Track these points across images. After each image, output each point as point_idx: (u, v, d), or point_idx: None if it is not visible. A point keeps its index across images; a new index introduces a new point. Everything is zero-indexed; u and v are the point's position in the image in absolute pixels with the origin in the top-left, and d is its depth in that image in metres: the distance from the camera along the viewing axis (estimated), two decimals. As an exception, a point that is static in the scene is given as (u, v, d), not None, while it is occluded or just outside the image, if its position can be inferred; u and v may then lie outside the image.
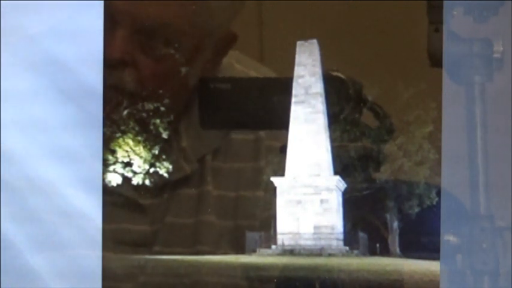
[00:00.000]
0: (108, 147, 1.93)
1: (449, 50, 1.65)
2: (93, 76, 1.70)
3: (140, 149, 1.95)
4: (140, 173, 1.96)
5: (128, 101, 1.92)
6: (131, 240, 1.97)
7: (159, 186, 1.98)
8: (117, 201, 1.95)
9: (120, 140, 1.94)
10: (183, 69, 1.92)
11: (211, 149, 2.01)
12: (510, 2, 1.63)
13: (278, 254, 1.91)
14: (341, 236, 1.90)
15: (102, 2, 1.70)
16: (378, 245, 1.92)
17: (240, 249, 1.94)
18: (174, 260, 1.92)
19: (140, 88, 1.91)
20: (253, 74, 2.02)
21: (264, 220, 1.97)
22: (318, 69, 1.96)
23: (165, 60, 1.90)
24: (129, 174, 1.96)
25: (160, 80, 1.91)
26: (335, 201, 1.91)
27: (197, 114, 1.97)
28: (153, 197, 1.99)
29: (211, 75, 1.99)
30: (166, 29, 1.89)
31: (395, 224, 1.93)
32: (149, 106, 1.93)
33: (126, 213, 1.97)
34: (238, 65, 2.03)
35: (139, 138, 1.95)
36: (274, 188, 1.94)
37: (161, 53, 1.90)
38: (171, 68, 1.91)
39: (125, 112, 1.93)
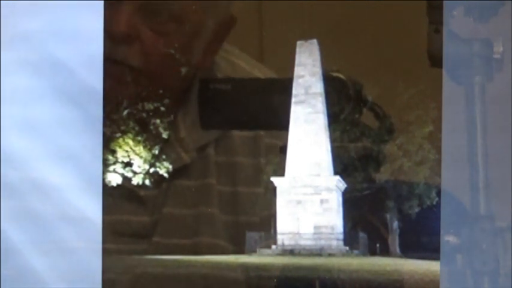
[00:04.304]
0: (108, 147, 1.93)
1: (449, 50, 1.64)
2: (93, 76, 1.70)
3: (140, 149, 1.96)
4: (140, 173, 1.96)
5: (127, 101, 1.92)
6: (131, 231, 1.97)
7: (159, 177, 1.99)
8: (117, 193, 1.95)
9: (120, 140, 1.95)
10: (186, 44, 1.92)
11: (210, 139, 2.01)
12: (510, 2, 1.63)
13: (278, 254, 1.91)
14: (341, 236, 1.90)
15: (102, 2, 1.70)
16: (378, 245, 1.92)
17: (240, 244, 1.94)
18: (174, 260, 1.92)
19: (138, 90, 1.91)
20: (254, 72, 2.02)
21: (264, 219, 1.97)
22: (318, 69, 1.96)
23: (169, 35, 1.90)
24: (129, 174, 1.96)
25: (163, 57, 1.91)
26: (335, 201, 1.91)
27: (196, 107, 1.97)
28: (153, 188, 1.99)
29: (211, 75, 1.99)
30: (170, 5, 1.89)
31: (395, 224, 1.94)
32: (149, 106, 1.93)
33: (125, 205, 1.97)
34: (239, 63, 2.03)
35: (139, 138, 1.95)
36: (274, 188, 1.95)
37: (165, 29, 1.90)
38: (174, 43, 1.91)
39: (125, 112, 1.93)
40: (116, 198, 1.94)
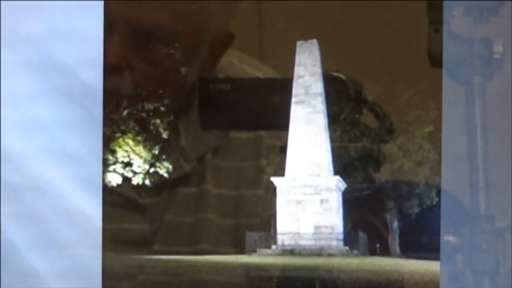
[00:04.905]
0: (108, 147, 1.93)
1: (449, 50, 1.65)
2: (93, 76, 1.70)
3: (140, 149, 1.95)
4: (140, 173, 1.96)
5: (127, 101, 1.92)
6: (131, 240, 1.97)
7: (158, 185, 1.98)
8: (117, 201, 1.95)
9: (120, 140, 1.95)
10: (181, 71, 1.92)
11: (210, 147, 2.02)
12: (510, 2, 1.63)
13: (278, 254, 1.91)
14: (341, 236, 1.90)
15: (102, 2, 1.70)
16: (378, 245, 1.92)
17: (240, 248, 1.94)
18: (174, 260, 1.92)
19: (138, 90, 1.91)
20: (254, 72, 2.03)
21: (264, 219, 1.97)
22: (318, 69, 1.96)
23: (162, 62, 1.90)
24: (129, 174, 1.96)
25: (158, 83, 1.91)
26: (335, 201, 1.91)
27: (197, 114, 1.97)
28: (152, 196, 1.99)
29: (211, 75, 1.99)
30: (161, 32, 1.89)
31: (395, 224, 1.94)
32: (149, 106, 1.93)
33: (125, 213, 1.97)
34: (240, 64, 2.03)
35: (139, 138, 1.95)
36: (275, 188, 1.95)
37: (157, 56, 1.90)
38: (168, 70, 1.91)
39: (125, 112, 1.93)
40: (116, 206, 1.94)
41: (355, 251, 1.90)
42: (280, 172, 1.95)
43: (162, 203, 2.00)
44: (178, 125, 2.00)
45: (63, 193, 1.68)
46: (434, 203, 1.87)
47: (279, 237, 1.92)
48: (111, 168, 1.94)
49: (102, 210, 1.67)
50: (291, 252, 1.91)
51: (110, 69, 1.83)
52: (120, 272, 1.87)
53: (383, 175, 1.93)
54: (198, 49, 1.94)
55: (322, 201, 1.91)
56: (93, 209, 1.68)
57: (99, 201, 1.68)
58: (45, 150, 1.68)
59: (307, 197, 1.92)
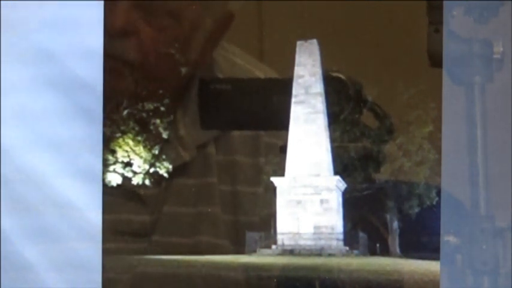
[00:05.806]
0: (108, 147, 1.93)
1: (449, 50, 1.64)
2: (94, 75, 1.70)
3: (140, 149, 1.96)
4: (140, 173, 1.96)
5: (127, 101, 1.92)
6: (131, 230, 1.97)
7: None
8: (116, 192, 1.95)
9: (120, 140, 1.95)
10: (184, 41, 1.92)
11: (209, 137, 2.01)
12: (510, 2, 1.63)
13: (278, 254, 1.91)
14: (341, 236, 1.90)
15: (102, 3, 1.70)
16: (378, 245, 1.92)
17: (240, 247, 1.94)
18: (174, 260, 1.92)
19: (138, 90, 1.91)
20: (254, 72, 2.03)
21: (264, 219, 1.97)
22: (318, 69, 1.96)
23: (167, 31, 1.91)
24: (129, 174, 1.96)
25: (161, 52, 1.91)
26: (335, 201, 1.91)
27: (195, 104, 1.97)
28: (152, 186, 1.99)
29: (211, 75, 1.99)
30: (166, 3, 1.90)
31: (395, 224, 1.94)
32: (149, 106, 1.93)
33: (125, 203, 1.97)
34: (240, 63, 2.03)
35: (139, 138, 1.95)
36: (274, 188, 1.95)
37: (163, 24, 1.90)
38: (172, 39, 1.91)
39: (125, 112, 1.93)
40: (116, 197, 1.94)
41: (355, 251, 1.90)
42: (280, 172, 1.95)
43: (162, 194, 2.00)
44: (177, 116, 1.99)
45: (62, 187, 1.68)
46: (434, 203, 1.87)
47: (279, 237, 1.93)
48: (111, 168, 1.95)
49: (102, 201, 1.67)
50: (291, 252, 1.91)
51: (115, 34, 1.84)
52: (120, 270, 1.87)
53: (383, 175, 1.93)
54: (200, 22, 1.94)
55: (322, 201, 1.91)
56: (92, 202, 1.68)
57: (99, 194, 1.68)
58: (44, 143, 1.68)
59: (307, 197, 1.92)
